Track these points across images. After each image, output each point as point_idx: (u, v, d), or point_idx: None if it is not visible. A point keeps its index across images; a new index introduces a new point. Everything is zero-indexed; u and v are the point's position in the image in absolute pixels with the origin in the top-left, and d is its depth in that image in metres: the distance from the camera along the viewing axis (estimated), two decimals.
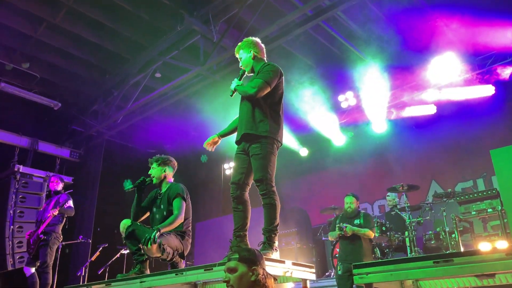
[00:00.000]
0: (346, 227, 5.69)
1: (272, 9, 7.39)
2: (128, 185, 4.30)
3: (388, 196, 7.56)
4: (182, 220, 4.12)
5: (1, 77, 8.71)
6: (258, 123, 3.53)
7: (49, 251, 5.88)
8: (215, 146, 3.96)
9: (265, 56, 3.91)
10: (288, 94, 8.63)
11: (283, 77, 3.73)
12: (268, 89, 3.54)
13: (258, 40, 3.91)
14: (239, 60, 3.91)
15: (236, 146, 3.78)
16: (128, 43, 8.37)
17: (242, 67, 3.89)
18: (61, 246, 7.27)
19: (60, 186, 6.37)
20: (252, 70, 3.83)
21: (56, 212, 5.88)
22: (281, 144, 3.69)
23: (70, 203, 6.12)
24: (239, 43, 3.90)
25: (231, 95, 3.72)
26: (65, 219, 6.22)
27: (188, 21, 7.17)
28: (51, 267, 5.90)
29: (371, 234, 5.75)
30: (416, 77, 8.41)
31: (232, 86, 3.68)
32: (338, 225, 5.84)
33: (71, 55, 8.63)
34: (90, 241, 8.75)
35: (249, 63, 3.81)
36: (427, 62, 8.03)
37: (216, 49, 7.55)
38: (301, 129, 9.69)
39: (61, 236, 6.17)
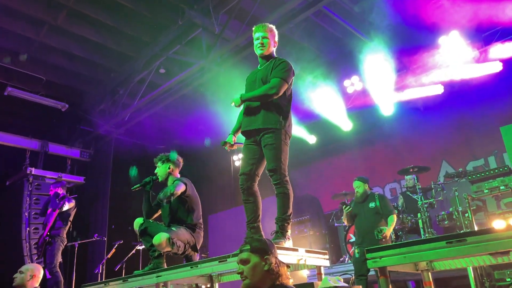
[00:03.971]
0: (384, 234, 5.39)
1: None
2: (134, 172, 4.42)
3: (407, 176, 7.44)
4: (174, 192, 4.11)
5: (8, 81, 8.78)
6: (273, 115, 3.54)
7: (56, 252, 6.21)
8: (234, 145, 3.85)
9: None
10: (293, 82, 8.58)
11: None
12: (286, 86, 3.58)
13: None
14: (254, 38, 3.76)
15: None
16: (130, 40, 8.38)
17: (257, 44, 3.73)
18: (77, 245, 7.51)
19: (60, 191, 6.66)
20: (263, 56, 3.77)
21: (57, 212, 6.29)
22: (291, 136, 3.69)
23: (66, 205, 6.41)
24: (264, 24, 3.78)
25: (238, 105, 3.59)
26: (69, 223, 6.53)
27: (188, 14, 7.15)
28: (58, 266, 6.21)
29: (395, 217, 5.66)
30: (421, 58, 8.31)
31: (237, 96, 3.56)
32: (347, 212, 5.81)
33: (75, 55, 8.67)
34: (105, 238, 8.87)
35: (269, 49, 3.74)
36: (432, 43, 7.92)
37: (219, 41, 7.53)
38: (308, 117, 9.65)
39: (66, 239, 6.50)
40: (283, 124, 3.54)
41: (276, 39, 3.81)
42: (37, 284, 4.27)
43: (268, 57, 3.76)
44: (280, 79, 3.53)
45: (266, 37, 3.72)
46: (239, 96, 3.55)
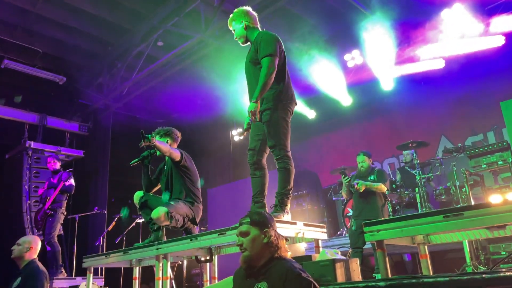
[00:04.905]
0: (357, 183, 5.61)
1: None
2: (125, 212, 4.51)
3: (404, 151, 7.48)
4: (172, 151, 4.19)
5: (4, 54, 8.67)
6: (268, 92, 3.51)
7: (55, 224, 6.41)
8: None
9: (258, 24, 3.83)
10: (293, 57, 8.49)
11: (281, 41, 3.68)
12: (277, 59, 3.51)
13: (249, 8, 3.84)
14: (232, 32, 3.85)
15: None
16: (128, 12, 8.23)
17: (236, 39, 3.84)
18: (77, 218, 7.64)
19: (58, 165, 6.83)
20: (247, 40, 3.80)
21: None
22: (295, 105, 3.68)
23: (71, 181, 6.60)
24: (231, 15, 3.83)
25: (256, 108, 3.40)
26: (68, 195, 6.71)
27: None
28: (56, 237, 6.42)
29: (383, 188, 5.64)
30: (423, 32, 8.19)
31: (250, 104, 3.42)
32: (345, 180, 5.84)
33: (72, 28, 8.53)
34: (105, 212, 8.95)
35: (242, 34, 3.76)
36: (435, 16, 7.79)
37: (218, 14, 7.39)
38: (308, 92, 9.59)
39: (65, 211, 6.70)
40: (278, 99, 3.53)
41: (247, 16, 3.75)
42: (35, 256, 4.35)
43: (250, 37, 3.75)
44: (267, 57, 3.47)
45: (234, 29, 3.79)
46: (252, 103, 3.39)
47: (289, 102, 3.60)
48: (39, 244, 4.46)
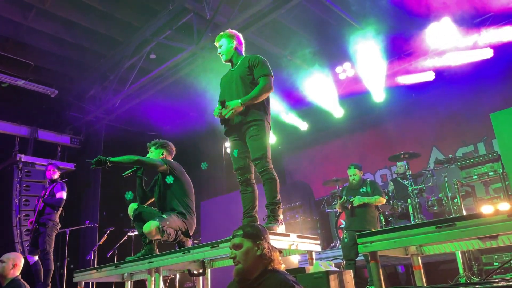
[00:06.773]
0: (353, 200, 5.68)
1: None
2: (129, 196, 4.49)
3: (398, 162, 7.52)
4: (154, 163, 4.19)
5: None
6: (255, 108, 3.64)
7: (48, 239, 6.09)
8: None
9: (243, 51, 4.02)
10: (285, 69, 8.55)
11: None
12: (272, 79, 3.73)
13: (241, 34, 4.05)
14: (217, 47, 3.97)
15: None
16: (120, 25, 8.25)
17: (220, 54, 3.96)
18: (68, 232, 7.50)
19: (56, 175, 6.52)
20: (230, 61, 3.94)
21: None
22: (270, 126, 3.83)
23: (62, 194, 6.25)
24: (222, 33, 4.00)
25: (240, 111, 3.56)
26: (61, 207, 6.38)
27: None
28: (51, 254, 6.12)
29: (383, 199, 5.73)
30: (413, 45, 8.32)
31: (236, 101, 3.55)
32: (341, 201, 5.86)
33: (64, 40, 8.52)
34: (97, 225, 8.85)
35: (229, 52, 3.92)
36: (424, 29, 7.92)
37: (210, 27, 7.44)
38: (300, 104, 9.64)
39: (59, 224, 6.36)
40: (265, 115, 3.69)
41: (237, 40, 3.96)
42: (18, 273, 4.28)
43: (235, 59, 3.92)
44: (268, 76, 3.69)
45: (221, 45, 3.93)
46: (239, 102, 3.54)
47: (269, 119, 3.78)
48: (22, 261, 4.40)
